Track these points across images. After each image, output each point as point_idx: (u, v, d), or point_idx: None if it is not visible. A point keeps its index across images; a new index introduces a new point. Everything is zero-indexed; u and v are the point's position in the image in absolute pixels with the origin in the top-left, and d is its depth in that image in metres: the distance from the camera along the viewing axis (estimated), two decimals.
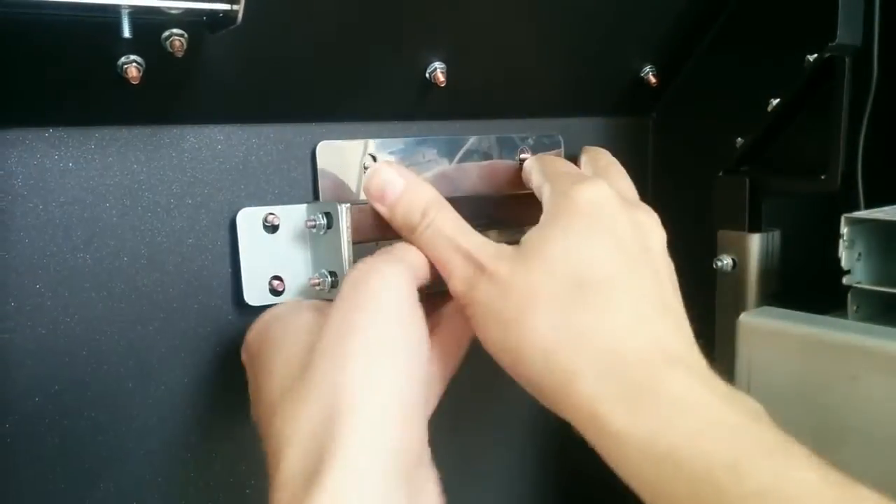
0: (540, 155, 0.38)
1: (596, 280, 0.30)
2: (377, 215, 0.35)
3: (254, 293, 0.39)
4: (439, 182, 0.43)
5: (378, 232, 0.36)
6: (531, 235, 0.32)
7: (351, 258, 0.36)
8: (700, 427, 0.26)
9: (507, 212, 0.43)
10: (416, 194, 0.33)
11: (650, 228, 0.33)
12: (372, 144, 0.41)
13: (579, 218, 0.31)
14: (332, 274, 0.38)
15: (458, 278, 0.32)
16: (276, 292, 0.39)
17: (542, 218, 0.32)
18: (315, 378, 0.28)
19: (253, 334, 0.34)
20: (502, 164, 0.45)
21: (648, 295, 0.30)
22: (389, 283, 0.30)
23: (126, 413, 0.37)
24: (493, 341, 0.31)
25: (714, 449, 0.26)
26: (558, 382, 0.29)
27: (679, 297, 0.33)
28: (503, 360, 0.31)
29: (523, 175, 0.38)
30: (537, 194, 0.35)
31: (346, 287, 0.31)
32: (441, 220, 0.33)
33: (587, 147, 0.40)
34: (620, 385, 0.28)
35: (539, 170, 0.35)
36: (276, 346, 0.32)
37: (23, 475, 0.35)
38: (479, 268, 0.31)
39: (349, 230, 0.36)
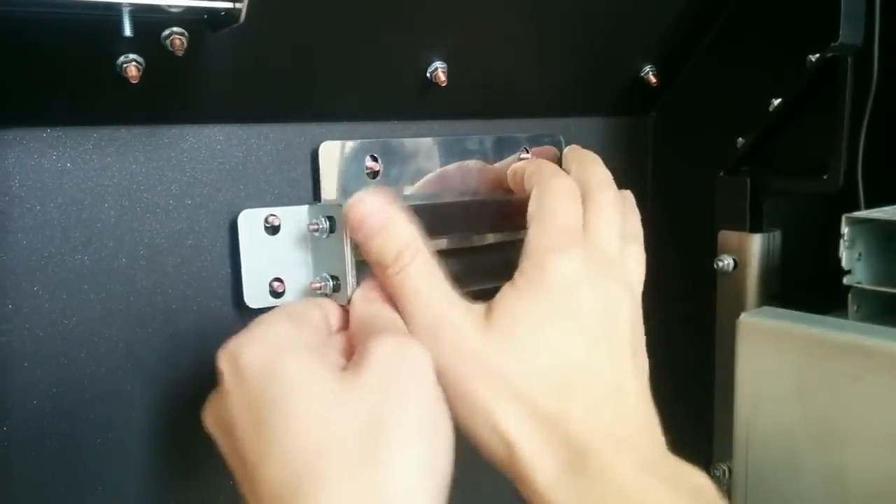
0: (538, 166, 0.37)
1: (555, 366, 0.30)
2: None
3: (254, 295, 0.39)
4: (436, 182, 0.43)
5: None
6: (501, 304, 0.31)
7: (353, 263, 0.36)
8: None
9: (500, 216, 0.43)
10: (394, 234, 0.32)
11: (619, 300, 0.33)
12: (372, 144, 0.41)
13: (549, 297, 0.31)
14: (334, 278, 0.37)
15: (420, 329, 0.31)
16: (276, 294, 0.39)
17: (516, 278, 0.32)
18: (379, 459, 0.27)
19: (233, 388, 0.29)
20: (498, 167, 0.45)
21: (606, 381, 0.31)
22: (425, 361, 0.29)
23: (125, 415, 0.37)
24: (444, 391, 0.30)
25: None
26: (504, 453, 0.30)
27: (641, 369, 0.33)
28: (453, 411, 0.30)
29: (513, 178, 0.37)
30: (528, 217, 0.34)
31: (380, 366, 0.29)
32: (414, 268, 0.32)
33: (572, 149, 0.39)
34: (568, 471, 0.29)
35: (535, 196, 0.34)
36: (287, 413, 0.27)
37: (22, 477, 0.35)
38: (441, 329, 0.31)
39: None
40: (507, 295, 0.32)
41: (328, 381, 0.28)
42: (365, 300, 0.33)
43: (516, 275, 0.32)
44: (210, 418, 0.31)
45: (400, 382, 0.28)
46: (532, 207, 0.34)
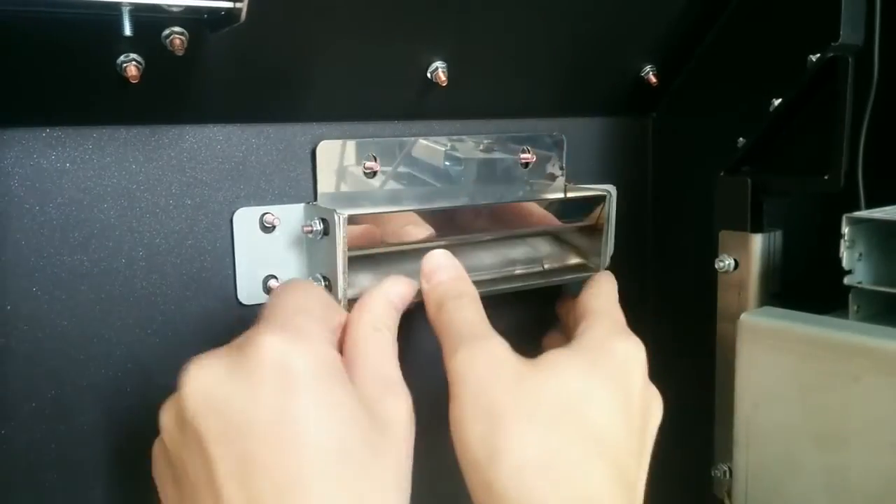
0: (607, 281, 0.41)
1: (591, 437, 0.31)
2: (373, 228, 0.37)
3: (247, 292, 0.39)
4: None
5: (373, 243, 0.38)
6: (553, 357, 0.33)
7: (346, 267, 0.37)
8: None
9: (505, 220, 0.43)
10: (464, 282, 0.36)
11: (656, 408, 0.35)
12: (372, 144, 0.41)
13: (605, 373, 0.33)
14: (326, 279, 0.38)
15: (464, 349, 0.32)
16: (270, 291, 0.39)
17: (574, 343, 0.34)
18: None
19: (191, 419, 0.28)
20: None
21: (623, 471, 0.32)
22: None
23: (124, 416, 0.37)
24: (468, 427, 0.31)
25: None
26: (524, 496, 0.29)
27: (644, 467, 0.34)
28: (470, 449, 0.30)
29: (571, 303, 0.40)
30: (581, 306, 0.37)
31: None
32: (472, 304, 0.34)
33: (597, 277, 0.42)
34: None
35: (594, 294, 0.38)
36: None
37: (21, 479, 0.35)
38: (492, 340, 0.32)
39: (345, 239, 0.36)
40: (561, 353, 0.33)
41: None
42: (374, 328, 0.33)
43: (575, 339, 0.35)
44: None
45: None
46: (595, 303, 0.38)
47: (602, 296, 0.39)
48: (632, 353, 0.34)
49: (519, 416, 0.30)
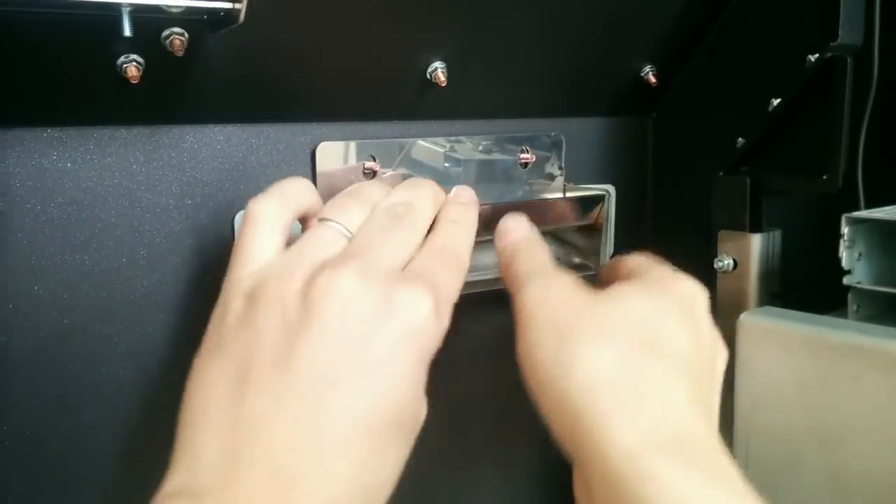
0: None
1: (668, 358, 0.30)
2: None
3: None
4: None
5: None
6: (621, 287, 0.33)
7: None
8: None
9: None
10: (534, 239, 0.36)
11: (722, 353, 0.34)
12: (372, 145, 0.41)
13: (675, 303, 0.32)
14: None
15: (536, 280, 0.32)
16: None
17: (638, 279, 0.34)
18: None
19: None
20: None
21: (701, 394, 0.31)
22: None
23: (125, 414, 0.37)
24: (541, 348, 0.30)
25: None
26: (599, 413, 0.28)
27: (717, 405, 0.33)
28: (543, 369, 0.30)
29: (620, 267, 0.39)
30: (630, 262, 0.37)
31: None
32: (543, 252, 0.35)
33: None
34: (665, 450, 0.27)
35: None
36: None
37: (22, 478, 0.35)
38: (564, 275, 0.32)
39: None
40: (629, 283, 0.33)
41: None
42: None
43: (636, 280, 0.34)
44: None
45: None
46: (639, 260, 0.37)
47: (648, 257, 0.38)
48: (698, 291, 0.34)
49: (592, 335, 0.30)
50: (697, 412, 0.29)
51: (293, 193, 0.33)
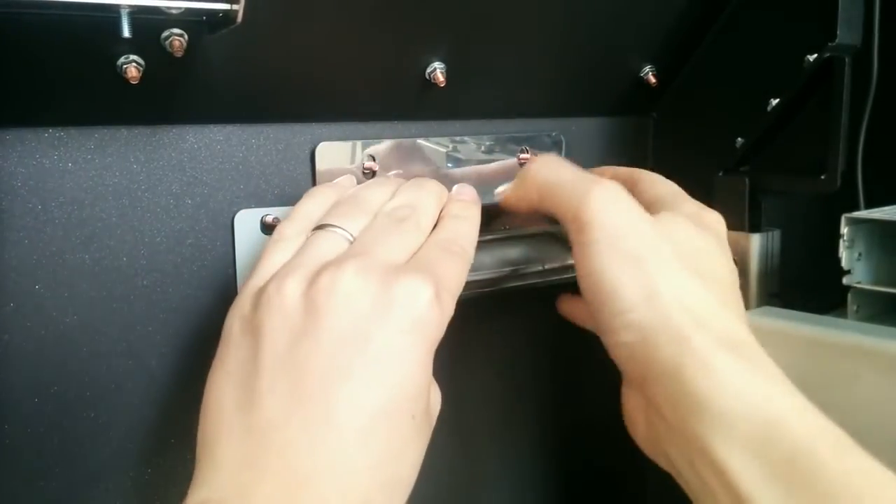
0: (611, 170, 0.42)
1: (719, 284, 0.33)
2: None
3: None
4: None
5: None
6: (673, 218, 0.35)
7: None
8: (806, 404, 0.30)
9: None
10: (540, 165, 0.37)
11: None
12: (372, 145, 0.41)
13: (710, 233, 0.35)
14: None
15: (592, 193, 0.33)
16: None
17: (669, 211, 0.36)
18: None
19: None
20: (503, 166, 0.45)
21: (738, 305, 0.35)
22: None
23: (126, 413, 0.37)
24: (615, 271, 0.32)
25: (818, 424, 0.29)
26: (674, 330, 0.31)
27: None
28: (623, 293, 0.31)
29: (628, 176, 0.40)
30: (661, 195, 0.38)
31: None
32: (565, 166, 0.36)
33: (642, 172, 0.42)
34: (737, 354, 0.31)
35: (656, 180, 0.40)
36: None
37: (22, 476, 0.35)
38: (617, 189, 0.33)
39: None
40: (666, 213, 0.35)
41: None
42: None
43: (667, 211, 0.36)
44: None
45: None
46: (663, 188, 0.39)
47: (669, 184, 0.40)
48: (722, 222, 0.37)
49: (664, 260, 0.32)
50: (746, 329, 0.32)
51: (315, 215, 0.34)
